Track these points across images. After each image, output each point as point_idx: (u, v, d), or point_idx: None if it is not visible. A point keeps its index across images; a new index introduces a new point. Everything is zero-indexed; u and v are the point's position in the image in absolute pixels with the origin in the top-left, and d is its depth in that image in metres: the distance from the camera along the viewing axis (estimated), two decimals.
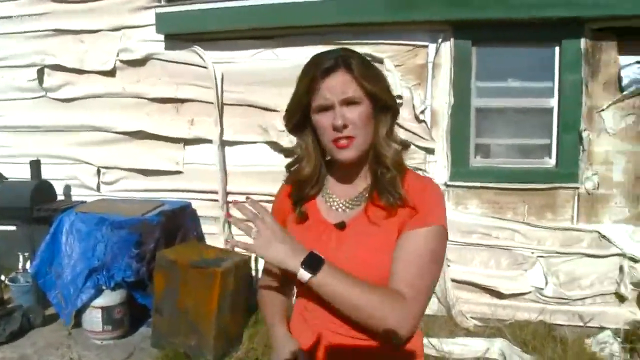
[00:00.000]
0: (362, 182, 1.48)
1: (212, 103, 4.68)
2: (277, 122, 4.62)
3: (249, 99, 4.67)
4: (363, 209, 1.43)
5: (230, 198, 4.76)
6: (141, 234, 4.12)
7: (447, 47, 4.42)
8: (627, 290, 4.17)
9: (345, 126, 1.36)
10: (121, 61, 4.90)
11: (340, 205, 1.48)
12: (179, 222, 4.47)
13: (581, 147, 4.25)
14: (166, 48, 4.75)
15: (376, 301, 1.29)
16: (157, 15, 4.60)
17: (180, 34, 4.68)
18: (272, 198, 5.03)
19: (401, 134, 4.45)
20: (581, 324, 4.18)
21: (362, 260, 1.36)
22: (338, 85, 1.37)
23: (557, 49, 4.29)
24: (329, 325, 1.41)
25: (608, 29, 4.17)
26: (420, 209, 1.36)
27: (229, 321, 3.96)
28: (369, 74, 1.39)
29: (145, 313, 4.33)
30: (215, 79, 4.64)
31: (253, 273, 4.53)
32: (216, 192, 4.76)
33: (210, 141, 4.74)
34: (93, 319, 4.09)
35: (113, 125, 4.92)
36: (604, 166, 4.27)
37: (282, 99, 4.54)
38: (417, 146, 4.45)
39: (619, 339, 4.05)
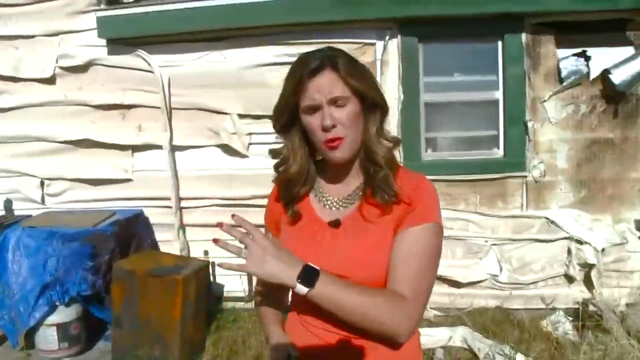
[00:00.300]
0: (355, 180, 1.48)
1: (159, 108, 4.57)
2: (228, 124, 4.58)
3: (197, 102, 4.59)
4: (357, 207, 1.43)
5: (183, 204, 4.68)
6: (95, 245, 3.99)
7: (394, 45, 4.49)
8: (576, 271, 4.38)
9: (334, 126, 1.36)
10: (61, 68, 4.70)
11: (334, 203, 1.48)
12: (132, 231, 4.36)
13: (527, 137, 4.42)
14: (109, 53, 4.60)
15: (377, 306, 1.30)
16: (98, 19, 4.44)
17: (123, 38, 4.54)
18: (226, 202, 4.98)
19: None
20: (535, 306, 4.35)
21: (357, 259, 1.37)
22: (325, 85, 1.36)
23: (499, 43, 4.45)
24: (326, 325, 1.41)
25: (546, 24, 4.35)
26: (416, 206, 1.37)
27: (192, 329, 3.90)
28: (355, 72, 1.38)
29: (102, 327, 4.21)
30: (162, 83, 4.53)
31: (211, 278, 4.47)
32: (168, 199, 4.66)
33: (159, 147, 4.63)
34: (48, 337, 3.93)
35: (56, 135, 4.72)
36: (549, 154, 4.46)
37: (231, 101, 4.55)
38: None
39: (570, 318, 4.25)
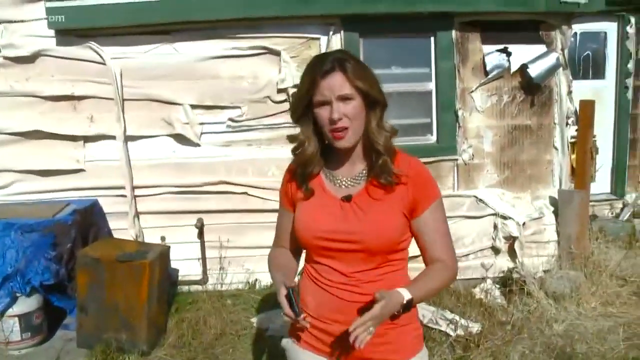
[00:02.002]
0: (360, 163, 1.77)
1: (112, 99, 4.64)
2: (181, 115, 4.73)
3: (150, 94, 4.71)
4: (364, 187, 1.73)
5: (137, 192, 4.79)
6: (56, 235, 4.04)
7: (337, 39, 4.81)
8: (501, 244, 4.94)
9: (340, 119, 1.65)
10: (5, 58, 4.62)
11: (344, 182, 1.76)
12: (90, 220, 4.43)
13: (457, 124, 4.91)
14: (58, 44, 4.59)
15: (443, 280, 1.76)
16: (48, 10, 4.43)
17: (73, 29, 4.56)
18: (179, 189, 5.12)
19: None
20: (469, 277, 4.86)
21: (367, 228, 1.68)
22: (335, 84, 1.64)
23: (432, 39, 4.88)
24: (335, 283, 1.72)
25: (473, 23, 4.84)
26: (424, 188, 1.72)
27: (156, 311, 4.06)
28: (360, 75, 1.66)
29: (60, 315, 4.26)
30: (115, 74, 4.60)
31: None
32: (122, 188, 4.75)
33: (112, 137, 4.70)
34: (10, 328, 3.94)
35: (3, 127, 4.65)
36: (477, 139, 4.97)
37: (184, 92, 4.73)
38: None
39: (497, 285, 4.80)
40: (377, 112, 1.72)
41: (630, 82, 6.44)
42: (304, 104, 1.72)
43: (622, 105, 6.46)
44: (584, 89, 5.95)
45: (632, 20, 6.36)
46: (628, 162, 6.56)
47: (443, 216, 1.78)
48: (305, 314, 1.68)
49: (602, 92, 6.33)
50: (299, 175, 1.81)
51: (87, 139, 4.75)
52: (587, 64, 6.48)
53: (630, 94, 6.48)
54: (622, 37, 6.39)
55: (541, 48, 4.87)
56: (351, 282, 1.71)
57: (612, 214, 6.46)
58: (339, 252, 1.71)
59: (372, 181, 1.72)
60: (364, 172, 1.75)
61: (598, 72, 6.50)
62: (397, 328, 1.72)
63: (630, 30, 6.37)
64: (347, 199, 1.73)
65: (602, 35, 6.47)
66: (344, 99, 1.65)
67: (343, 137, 1.68)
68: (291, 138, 1.82)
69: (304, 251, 1.88)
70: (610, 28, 6.41)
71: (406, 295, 1.60)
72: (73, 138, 4.72)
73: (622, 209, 6.45)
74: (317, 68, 1.67)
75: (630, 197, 6.50)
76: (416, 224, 1.73)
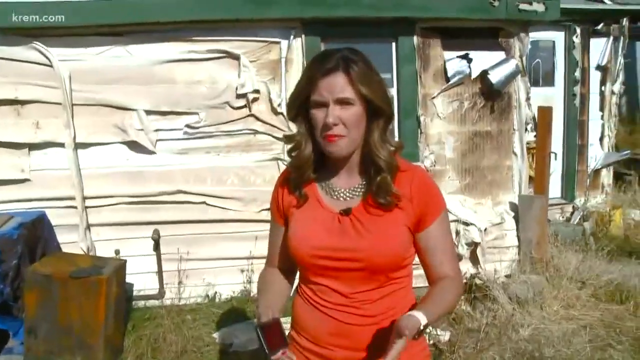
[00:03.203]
0: (358, 175, 1.62)
1: (60, 104, 4.35)
2: (135, 120, 4.49)
3: (102, 98, 4.43)
4: (362, 202, 1.58)
5: (88, 203, 4.50)
6: (0, 250, 3.73)
7: (298, 43, 4.69)
8: (464, 250, 4.92)
9: (335, 124, 1.49)
10: None
11: (342, 193, 1.61)
12: (38, 234, 4.11)
13: (419, 130, 4.88)
14: (0, 43, 4.29)
15: (453, 297, 1.61)
16: None
17: (17, 28, 4.23)
18: (134, 199, 4.90)
19: (258, 126, 4.65)
20: None
21: (367, 246, 1.53)
22: (335, 85, 1.49)
23: (394, 44, 4.84)
24: (338, 306, 1.57)
25: (434, 29, 4.83)
26: (431, 202, 1.59)
27: (114, 329, 3.83)
28: (366, 79, 1.50)
29: (3, 338, 3.94)
30: (63, 77, 4.31)
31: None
32: (72, 198, 4.44)
33: (61, 145, 4.40)
34: None
35: None
36: (438, 146, 4.95)
37: (138, 97, 4.50)
38: (275, 137, 4.66)
39: None
40: (380, 123, 1.56)
41: (577, 89, 6.65)
42: (300, 101, 1.57)
43: (571, 112, 6.66)
44: (535, 96, 6.03)
45: (578, 30, 6.58)
46: (577, 167, 6.76)
47: (448, 228, 1.67)
48: (284, 350, 1.47)
49: (551, 99, 6.51)
50: (293, 181, 1.65)
51: (32, 146, 4.42)
52: (537, 72, 6.65)
53: (577, 102, 6.69)
54: (569, 46, 6.59)
55: (500, 55, 4.91)
56: (351, 304, 1.56)
57: (562, 217, 6.64)
58: (338, 270, 1.56)
59: (368, 198, 1.57)
60: (363, 184, 1.61)
61: (548, 80, 6.67)
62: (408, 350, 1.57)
63: (577, 39, 6.59)
64: (347, 212, 1.58)
65: (551, 44, 6.66)
66: (343, 103, 1.50)
67: (335, 142, 1.52)
68: (288, 138, 1.66)
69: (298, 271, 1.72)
70: (558, 37, 6.61)
71: (422, 319, 1.41)
72: (17, 145, 4.39)
73: (572, 213, 6.63)
74: (319, 64, 1.52)
75: (579, 201, 6.70)
76: (421, 237, 1.59)
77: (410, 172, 1.60)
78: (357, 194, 1.60)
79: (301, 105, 1.57)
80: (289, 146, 1.65)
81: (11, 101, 4.35)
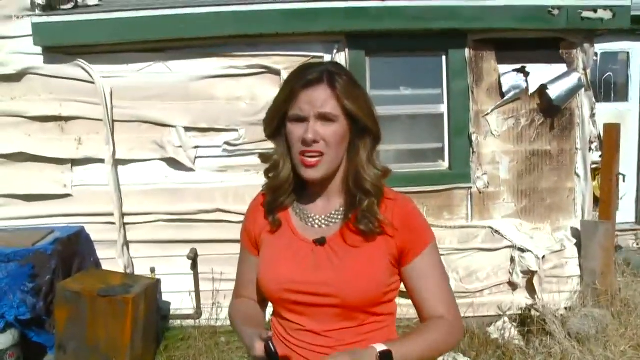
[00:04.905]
0: (336, 199, 1.46)
1: (101, 120, 4.38)
2: (174, 137, 4.45)
3: (141, 115, 4.44)
4: (339, 230, 1.42)
5: (127, 219, 4.49)
6: (34, 265, 3.74)
7: (341, 58, 4.52)
8: (519, 279, 4.56)
9: (315, 141, 1.35)
10: None
11: (316, 221, 1.46)
12: (74, 250, 4.13)
13: (471, 149, 4.57)
14: (46, 62, 4.35)
15: (441, 341, 1.38)
16: (34, 26, 4.20)
17: (61, 47, 4.31)
18: (172, 217, 4.80)
19: None
20: (483, 314, 4.48)
21: (343, 280, 1.36)
22: (317, 99, 1.35)
23: (444, 58, 4.58)
24: (312, 346, 1.39)
25: (488, 41, 4.53)
26: (414, 235, 1.42)
27: (142, 350, 3.78)
28: (352, 94, 1.37)
29: (41, 352, 3.96)
30: (104, 94, 4.33)
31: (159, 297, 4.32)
32: (111, 214, 4.45)
33: (101, 160, 4.42)
34: None
35: None
36: (492, 166, 4.62)
37: (177, 113, 4.43)
38: None
39: (514, 323, 4.41)
40: (367, 143, 1.42)
41: None
42: (279, 117, 1.41)
43: None
44: (605, 112, 5.61)
45: None
46: None
47: (439, 263, 1.46)
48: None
49: (625, 115, 5.99)
50: (267, 205, 1.49)
51: (74, 162, 4.48)
52: (608, 86, 6.15)
53: None
54: None
55: (562, 68, 4.53)
56: (325, 344, 1.37)
57: (637, 244, 6.07)
58: (310, 306, 1.40)
59: (349, 224, 1.41)
60: (341, 210, 1.44)
61: (621, 95, 6.16)
62: None
63: None
64: (321, 242, 1.41)
65: (625, 55, 6.14)
66: (326, 119, 1.35)
67: (313, 165, 1.37)
68: (264, 157, 1.50)
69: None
70: (634, 47, 6.08)
71: (379, 347, 1.24)
72: (60, 161, 4.46)
73: None
74: (301, 76, 1.37)
75: None
76: (407, 272, 1.43)
77: (395, 200, 1.45)
78: (334, 220, 1.45)
79: (280, 121, 1.42)
80: (266, 166, 1.50)
81: (55, 117, 4.42)
